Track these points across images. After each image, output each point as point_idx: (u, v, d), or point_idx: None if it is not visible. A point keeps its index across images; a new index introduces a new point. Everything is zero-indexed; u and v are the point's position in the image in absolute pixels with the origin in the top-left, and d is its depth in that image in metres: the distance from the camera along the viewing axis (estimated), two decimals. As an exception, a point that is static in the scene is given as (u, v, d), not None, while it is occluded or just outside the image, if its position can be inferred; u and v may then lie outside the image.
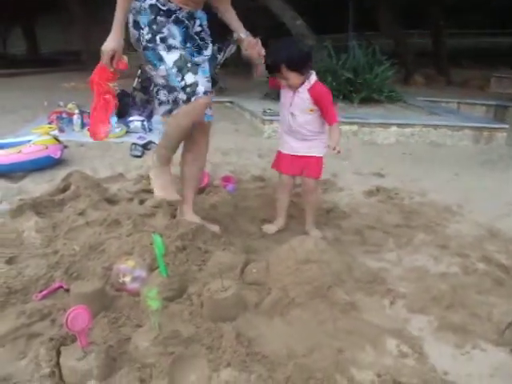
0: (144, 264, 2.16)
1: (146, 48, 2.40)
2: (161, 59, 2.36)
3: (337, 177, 4.13)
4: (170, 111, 2.51)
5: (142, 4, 2.37)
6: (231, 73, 8.38)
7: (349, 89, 6.96)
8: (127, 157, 4.46)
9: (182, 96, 2.34)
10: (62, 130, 5.23)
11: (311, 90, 2.64)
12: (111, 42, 2.35)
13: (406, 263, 2.60)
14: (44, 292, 2.10)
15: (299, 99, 2.67)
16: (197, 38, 2.50)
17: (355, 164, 4.61)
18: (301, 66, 2.60)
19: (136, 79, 3.32)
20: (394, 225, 3.09)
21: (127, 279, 2.08)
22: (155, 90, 2.59)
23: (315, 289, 2.02)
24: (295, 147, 2.78)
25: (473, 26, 17.95)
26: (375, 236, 2.90)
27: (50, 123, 5.43)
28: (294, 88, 2.65)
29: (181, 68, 2.33)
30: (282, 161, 2.85)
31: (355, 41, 8.07)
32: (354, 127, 5.77)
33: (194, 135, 2.62)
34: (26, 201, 2.88)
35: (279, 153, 2.88)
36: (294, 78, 2.60)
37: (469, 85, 10.86)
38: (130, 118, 5.58)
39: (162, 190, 2.58)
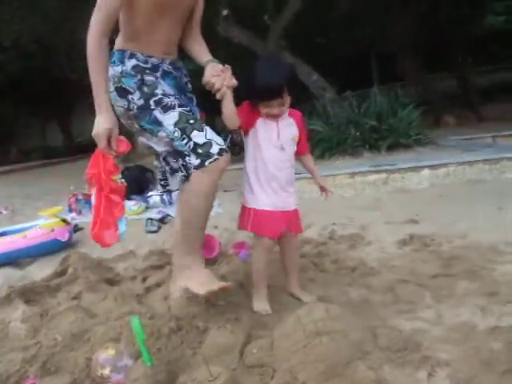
0: (127, 351, 1.82)
1: (138, 116, 2.11)
2: (159, 123, 2.07)
3: (366, 229, 3.75)
4: (186, 177, 2.11)
5: (123, 68, 2.14)
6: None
7: (374, 137, 6.63)
8: (142, 233, 4.22)
9: (194, 161, 2.02)
10: (79, 213, 5.11)
11: (293, 114, 2.28)
12: (104, 122, 1.99)
13: (447, 320, 2.16)
14: (13, 393, 1.80)
15: (286, 127, 2.25)
16: (188, 88, 2.35)
17: (386, 214, 4.22)
18: (298, 87, 2.30)
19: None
20: (431, 275, 2.66)
21: (106, 371, 1.75)
22: (162, 159, 2.25)
23: (330, 367, 1.61)
24: (285, 200, 2.28)
25: (500, 61, 17.67)
26: (409, 291, 2.47)
27: (69, 206, 5.32)
28: (279, 116, 2.20)
29: (184, 128, 2.02)
30: (269, 221, 2.24)
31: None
32: (383, 175, 5.39)
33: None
34: (14, 289, 2.63)
35: (266, 212, 2.24)
36: (288, 102, 2.17)
37: (503, 119, 10.42)
38: (149, 194, 5.45)
39: (201, 286, 2.08)
